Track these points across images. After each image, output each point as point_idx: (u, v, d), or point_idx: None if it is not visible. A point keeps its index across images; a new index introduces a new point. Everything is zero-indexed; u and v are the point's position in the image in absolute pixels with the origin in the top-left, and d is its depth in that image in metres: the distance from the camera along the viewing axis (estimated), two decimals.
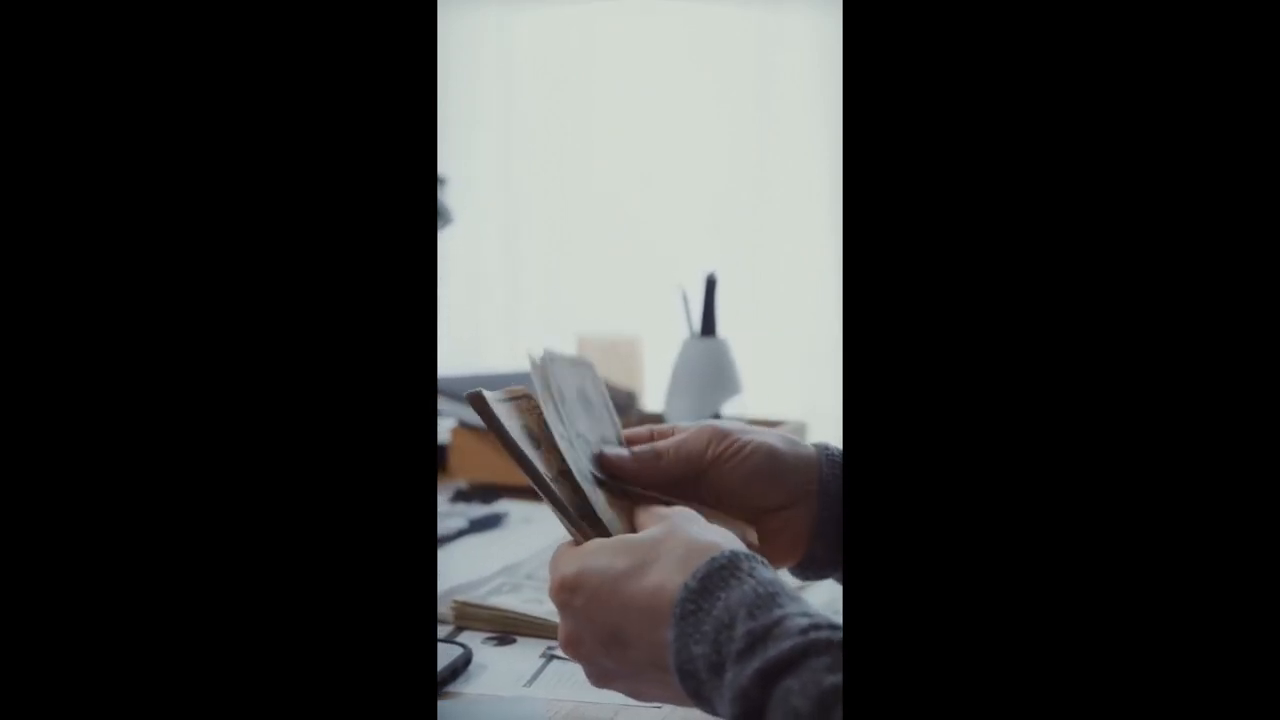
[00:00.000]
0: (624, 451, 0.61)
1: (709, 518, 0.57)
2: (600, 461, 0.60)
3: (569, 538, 0.57)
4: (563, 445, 0.57)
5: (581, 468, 0.57)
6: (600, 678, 0.55)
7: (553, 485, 0.56)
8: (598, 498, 0.57)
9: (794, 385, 1.86)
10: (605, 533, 0.56)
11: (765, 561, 0.51)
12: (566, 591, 0.53)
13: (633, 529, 0.56)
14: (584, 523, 0.56)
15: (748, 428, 0.63)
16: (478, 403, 0.55)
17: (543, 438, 0.58)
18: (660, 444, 0.62)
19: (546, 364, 0.59)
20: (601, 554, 0.53)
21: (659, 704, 0.61)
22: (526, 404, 0.58)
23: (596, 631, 0.52)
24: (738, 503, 0.62)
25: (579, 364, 0.63)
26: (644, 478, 0.61)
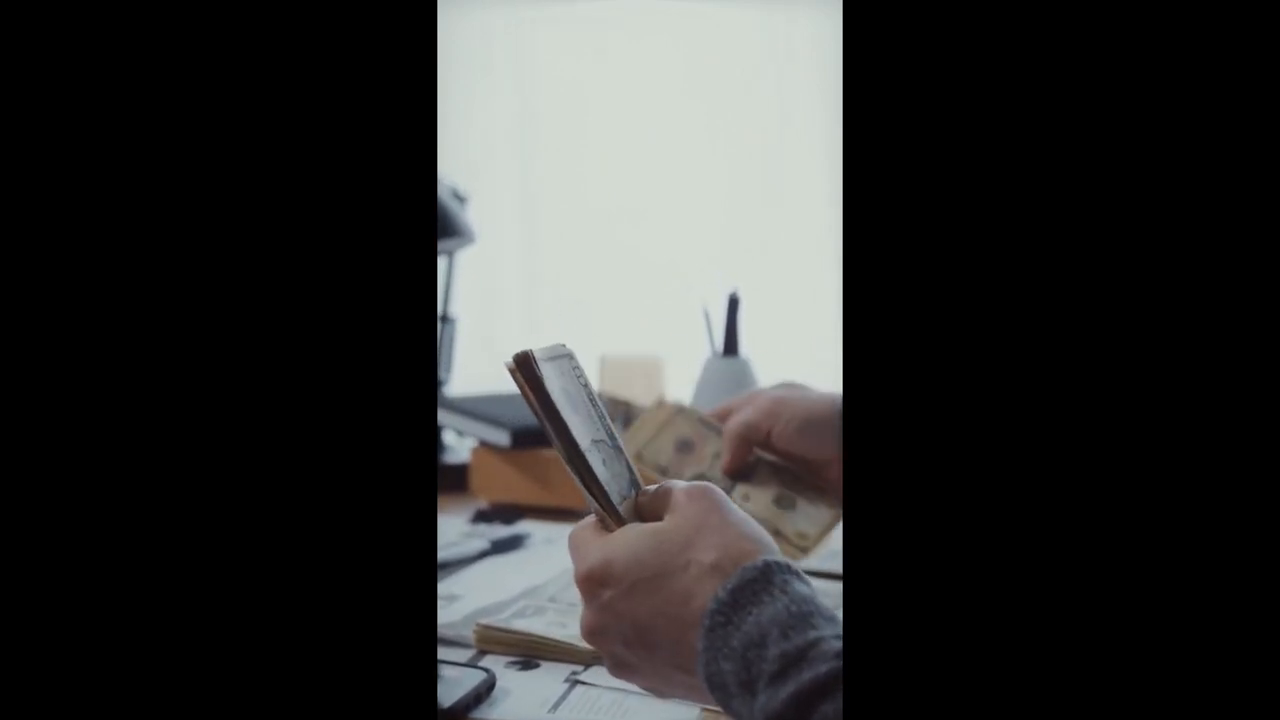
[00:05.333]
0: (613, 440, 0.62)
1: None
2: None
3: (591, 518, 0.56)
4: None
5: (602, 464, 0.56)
6: (620, 670, 0.54)
7: (586, 455, 0.54)
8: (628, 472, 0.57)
9: None
10: (633, 511, 0.55)
11: (799, 572, 0.50)
12: (594, 583, 0.52)
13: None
14: (612, 503, 0.55)
15: (796, 393, 0.79)
16: (524, 363, 0.53)
17: (580, 401, 0.56)
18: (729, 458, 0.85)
19: (539, 363, 0.54)
20: (631, 547, 0.52)
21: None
22: (568, 364, 0.56)
23: (621, 628, 0.52)
24: (797, 456, 0.84)
25: (557, 356, 0.57)
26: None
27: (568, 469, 0.55)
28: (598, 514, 0.55)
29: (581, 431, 0.55)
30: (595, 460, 0.55)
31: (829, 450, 0.83)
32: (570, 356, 0.57)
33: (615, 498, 0.55)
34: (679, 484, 0.55)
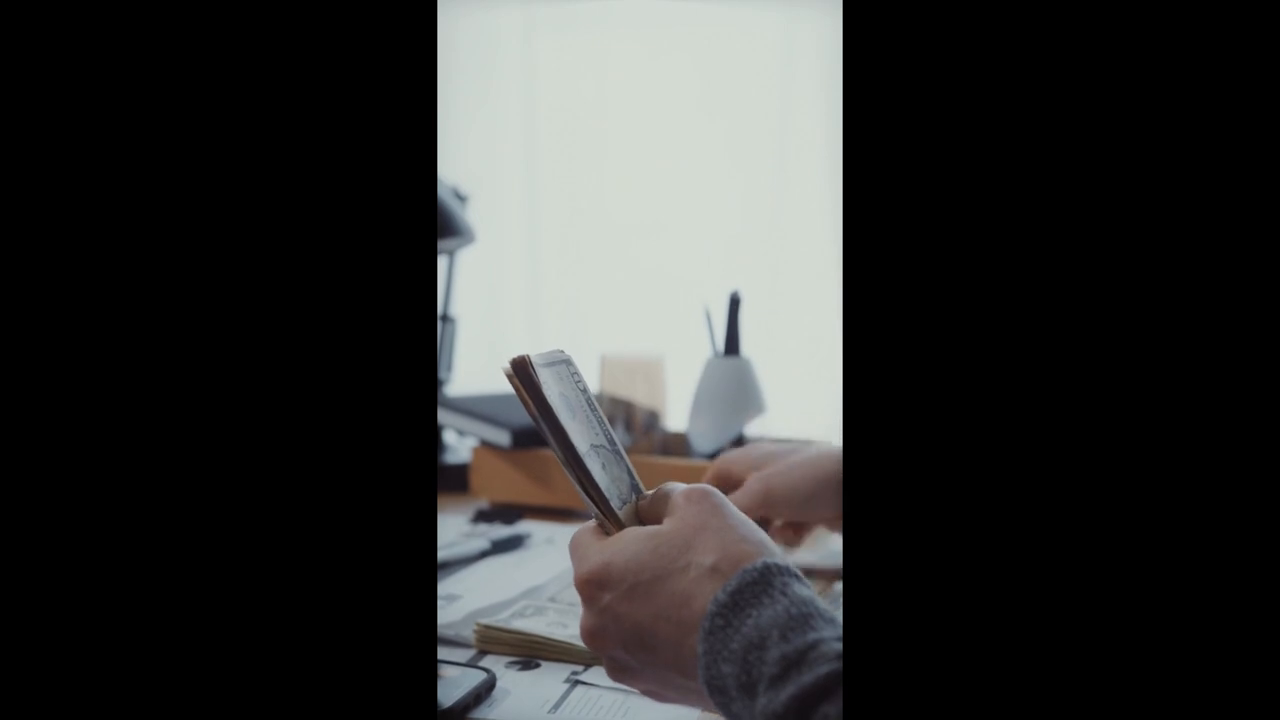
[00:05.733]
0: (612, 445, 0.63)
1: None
2: None
3: (591, 522, 0.56)
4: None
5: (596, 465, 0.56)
6: (619, 673, 0.54)
7: (585, 460, 0.54)
8: (628, 477, 0.57)
9: (817, 403, 1.85)
10: (633, 515, 0.55)
11: (799, 574, 0.50)
12: (594, 586, 0.52)
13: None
14: (612, 507, 0.55)
15: (781, 472, 0.75)
16: (521, 368, 0.53)
17: (578, 407, 0.56)
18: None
19: (537, 368, 0.55)
20: (630, 550, 0.52)
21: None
22: (566, 370, 0.57)
23: (621, 631, 0.51)
24: (795, 515, 0.82)
25: (555, 362, 0.57)
26: None
27: (567, 474, 0.55)
28: (597, 518, 0.55)
29: (580, 436, 0.55)
30: (594, 465, 0.55)
31: (829, 512, 0.85)
32: (568, 362, 0.57)
33: (615, 502, 0.55)
34: (679, 486, 0.55)
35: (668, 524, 0.53)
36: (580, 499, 0.55)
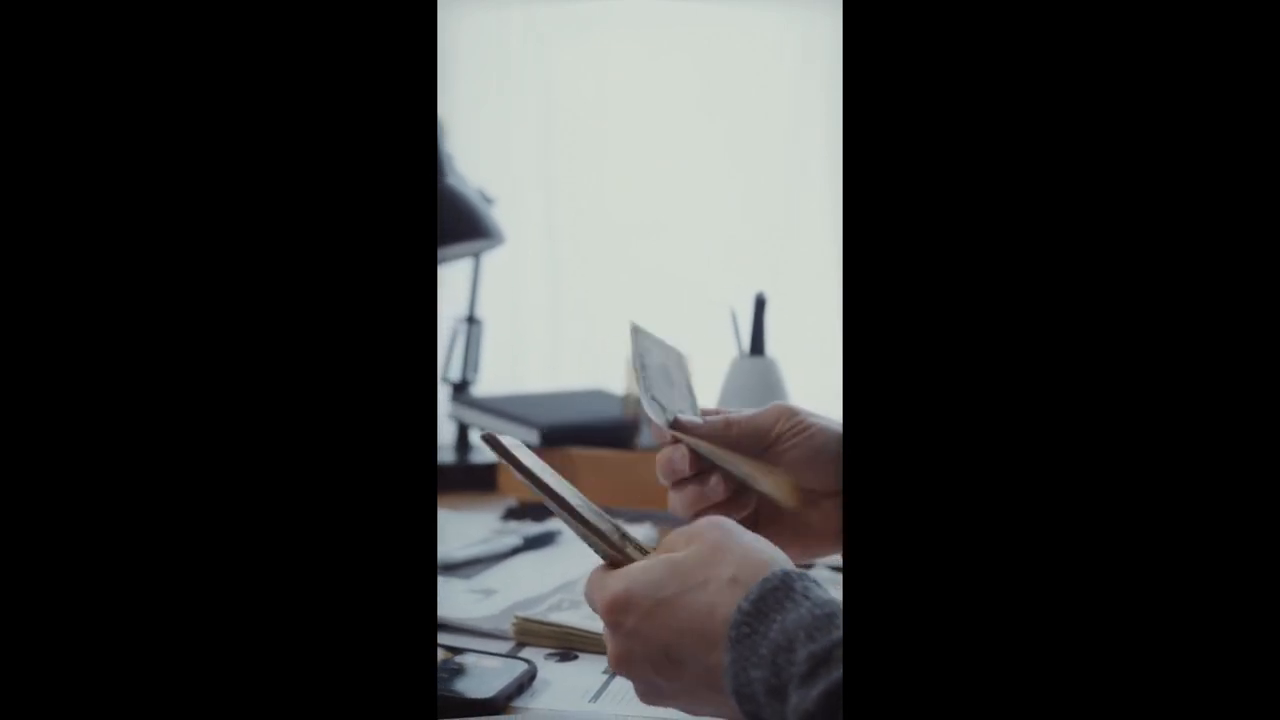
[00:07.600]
0: (697, 418, 0.67)
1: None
2: (674, 424, 0.65)
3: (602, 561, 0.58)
4: (644, 402, 0.64)
5: (661, 419, 0.65)
6: (651, 695, 0.55)
7: (580, 509, 0.57)
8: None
9: (823, 403, 1.86)
10: (641, 548, 0.57)
11: (818, 581, 0.51)
12: (616, 611, 0.53)
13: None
14: (617, 539, 0.57)
15: (818, 414, 0.68)
16: (492, 442, 0.58)
17: (553, 475, 0.60)
18: (732, 415, 0.67)
19: (635, 334, 0.68)
20: (649, 573, 0.53)
21: None
22: (528, 449, 0.62)
23: (648, 652, 0.52)
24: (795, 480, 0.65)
25: (667, 348, 0.71)
26: (714, 443, 0.65)
27: (573, 528, 0.58)
28: (608, 558, 0.57)
29: (570, 492, 0.59)
30: (589, 513, 0.58)
31: (836, 483, 0.68)
32: (522, 445, 0.63)
33: (618, 542, 0.58)
34: (692, 525, 0.56)
35: (684, 550, 0.54)
36: (590, 547, 0.58)
